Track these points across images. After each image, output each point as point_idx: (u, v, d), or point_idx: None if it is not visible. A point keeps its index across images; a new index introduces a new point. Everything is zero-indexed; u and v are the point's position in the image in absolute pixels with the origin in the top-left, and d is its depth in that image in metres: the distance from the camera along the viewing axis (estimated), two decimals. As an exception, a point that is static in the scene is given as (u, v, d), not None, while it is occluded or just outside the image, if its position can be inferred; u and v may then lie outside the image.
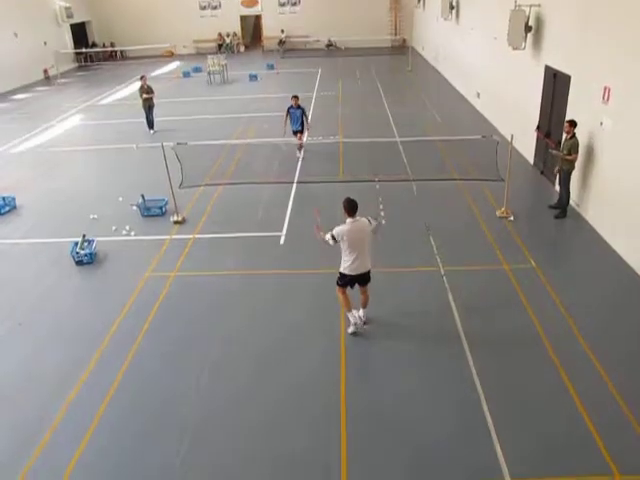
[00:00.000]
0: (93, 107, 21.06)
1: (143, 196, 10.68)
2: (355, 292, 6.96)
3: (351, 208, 6.36)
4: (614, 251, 8.67)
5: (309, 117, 13.87)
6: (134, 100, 18.75)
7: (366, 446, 5.34)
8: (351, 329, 6.88)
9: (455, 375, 6.20)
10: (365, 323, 6.98)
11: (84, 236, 9.20)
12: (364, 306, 7.03)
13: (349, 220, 6.37)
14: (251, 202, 11.06)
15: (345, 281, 6.74)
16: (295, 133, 13.32)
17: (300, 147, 13.51)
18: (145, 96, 15.97)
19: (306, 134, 13.64)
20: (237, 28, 34.62)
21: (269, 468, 5.16)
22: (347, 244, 6.38)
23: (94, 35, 34.40)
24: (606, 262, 8.47)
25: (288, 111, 13.18)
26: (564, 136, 9.63)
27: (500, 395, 5.88)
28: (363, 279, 6.75)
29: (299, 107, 13.11)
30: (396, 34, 33.71)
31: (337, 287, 6.85)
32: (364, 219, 6.48)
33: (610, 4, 8.91)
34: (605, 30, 9.06)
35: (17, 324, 7.51)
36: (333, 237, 6.38)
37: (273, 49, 33.50)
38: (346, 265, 6.57)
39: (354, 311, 6.91)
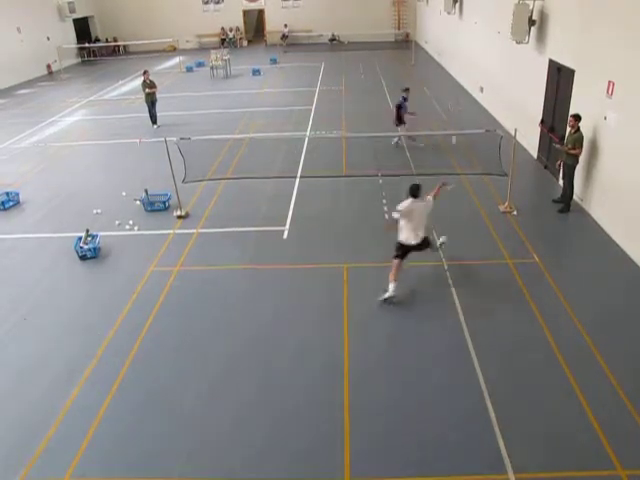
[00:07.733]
0: (96, 102, 21.06)
1: (146, 191, 10.70)
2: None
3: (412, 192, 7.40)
4: (617, 245, 8.66)
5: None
6: (137, 95, 18.76)
7: (369, 444, 5.39)
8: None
9: (458, 369, 6.22)
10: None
11: (88, 231, 9.23)
12: None
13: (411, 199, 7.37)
14: (254, 197, 11.07)
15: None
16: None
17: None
18: (148, 91, 15.98)
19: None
20: (240, 22, 34.59)
21: (282, 461, 5.21)
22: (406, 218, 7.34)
23: (97, 30, 34.42)
24: (609, 256, 8.46)
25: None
26: (568, 130, 9.59)
27: (503, 390, 5.89)
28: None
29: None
30: (399, 28, 33.60)
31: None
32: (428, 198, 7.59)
33: (615, -3, 8.86)
34: (609, 24, 9.00)
35: (22, 319, 7.55)
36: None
37: (276, 43, 33.44)
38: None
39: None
